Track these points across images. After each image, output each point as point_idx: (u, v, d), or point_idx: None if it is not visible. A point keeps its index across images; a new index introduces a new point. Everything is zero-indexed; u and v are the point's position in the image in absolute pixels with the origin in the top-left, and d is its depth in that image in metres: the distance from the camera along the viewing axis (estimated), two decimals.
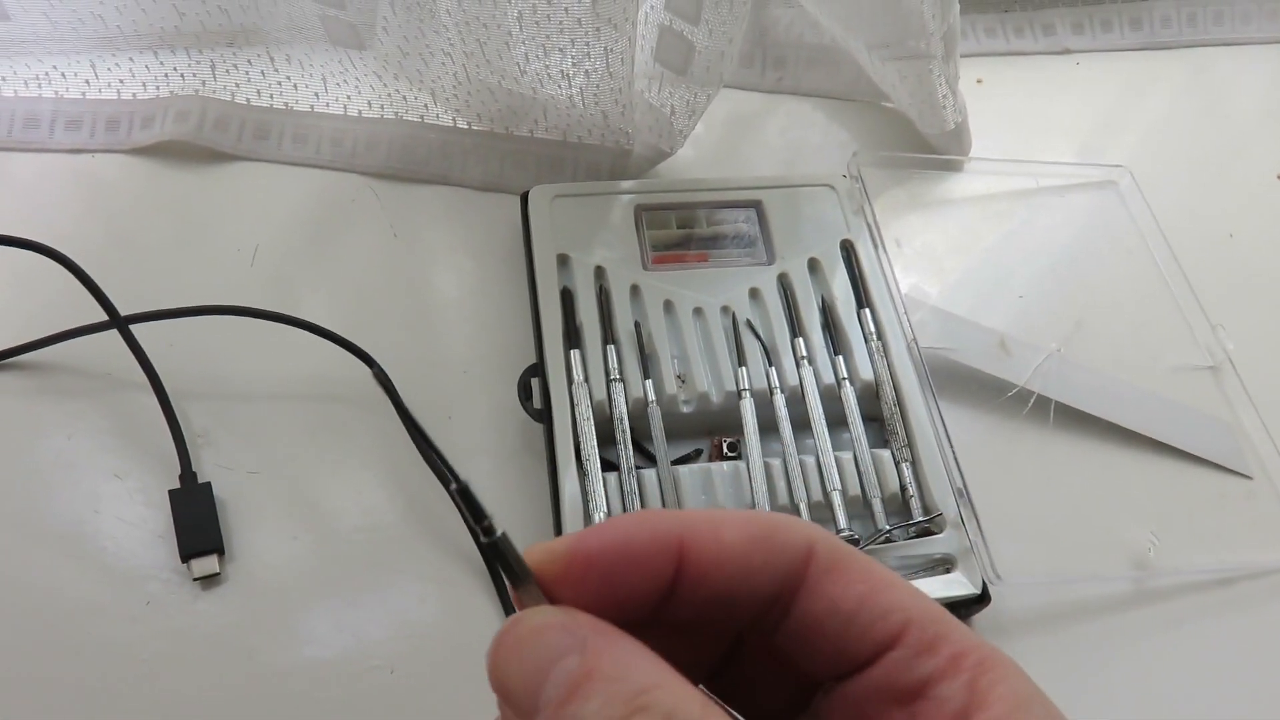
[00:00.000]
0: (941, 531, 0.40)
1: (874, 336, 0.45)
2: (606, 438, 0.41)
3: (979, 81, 0.61)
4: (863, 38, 0.53)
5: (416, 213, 0.50)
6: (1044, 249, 0.53)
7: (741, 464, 0.42)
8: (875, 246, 0.48)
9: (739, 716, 0.19)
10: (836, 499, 0.41)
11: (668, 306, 0.46)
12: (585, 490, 0.40)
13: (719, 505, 0.41)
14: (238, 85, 0.52)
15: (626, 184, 0.50)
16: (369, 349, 0.43)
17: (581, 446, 0.41)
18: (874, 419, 0.44)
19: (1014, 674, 0.17)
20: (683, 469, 0.41)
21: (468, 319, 0.47)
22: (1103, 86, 0.63)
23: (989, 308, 0.50)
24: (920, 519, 0.41)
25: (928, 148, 0.56)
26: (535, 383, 0.43)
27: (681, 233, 0.48)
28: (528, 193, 0.48)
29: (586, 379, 0.42)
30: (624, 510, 0.40)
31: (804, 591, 0.18)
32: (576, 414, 0.41)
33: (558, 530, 0.39)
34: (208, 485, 0.40)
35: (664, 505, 0.40)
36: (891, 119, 0.58)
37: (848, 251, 0.48)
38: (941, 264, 0.52)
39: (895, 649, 0.18)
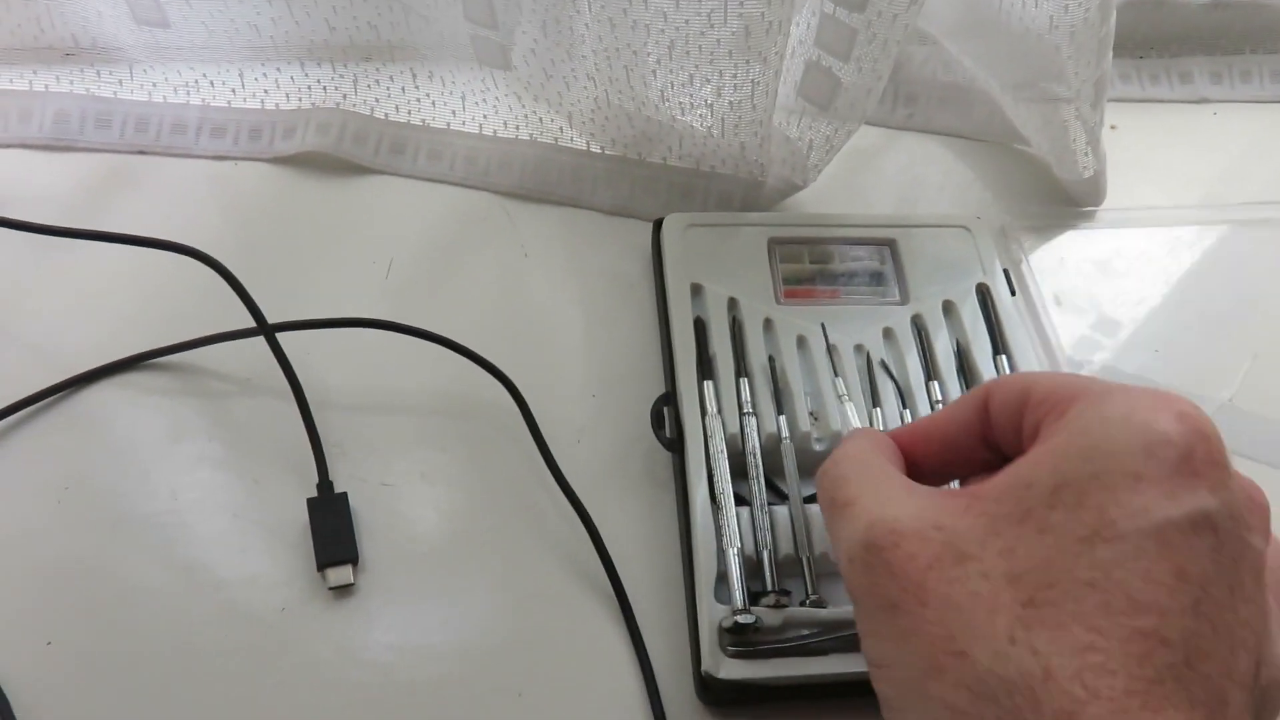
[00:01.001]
0: None
1: None
2: (737, 471, 0.41)
3: (1113, 128, 0.59)
4: (1002, 78, 0.52)
5: (547, 234, 0.51)
6: (1203, 293, 0.52)
7: None
8: (1013, 291, 0.47)
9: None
10: None
11: (800, 342, 0.45)
12: (718, 523, 0.39)
13: None
14: (377, 100, 0.53)
15: (758, 215, 0.49)
16: (500, 367, 0.43)
17: (715, 478, 0.40)
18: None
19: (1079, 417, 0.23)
20: (814, 507, 0.41)
21: (596, 343, 0.47)
22: (1239, 138, 0.61)
23: (1157, 359, 0.49)
24: None
25: (1057, 192, 0.55)
26: (668, 411, 0.43)
27: (814, 268, 0.48)
28: (661, 220, 0.48)
29: (720, 410, 0.42)
30: (755, 545, 0.39)
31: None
32: (709, 445, 0.41)
33: (688, 561, 0.39)
34: (344, 496, 0.41)
35: (795, 543, 0.39)
36: (1019, 161, 0.57)
37: (983, 295, 0.48)
38: (1102, 316, 0.51)
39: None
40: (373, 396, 0.44)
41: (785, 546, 0.39)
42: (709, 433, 0.41)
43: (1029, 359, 0.45)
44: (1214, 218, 0.56)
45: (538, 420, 0.43)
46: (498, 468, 0.43)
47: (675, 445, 0.41)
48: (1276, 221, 0.56)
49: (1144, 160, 0.58)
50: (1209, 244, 0.55)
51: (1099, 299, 0.51)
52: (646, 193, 0.52)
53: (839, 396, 0.43)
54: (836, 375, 0.44)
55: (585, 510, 0.40)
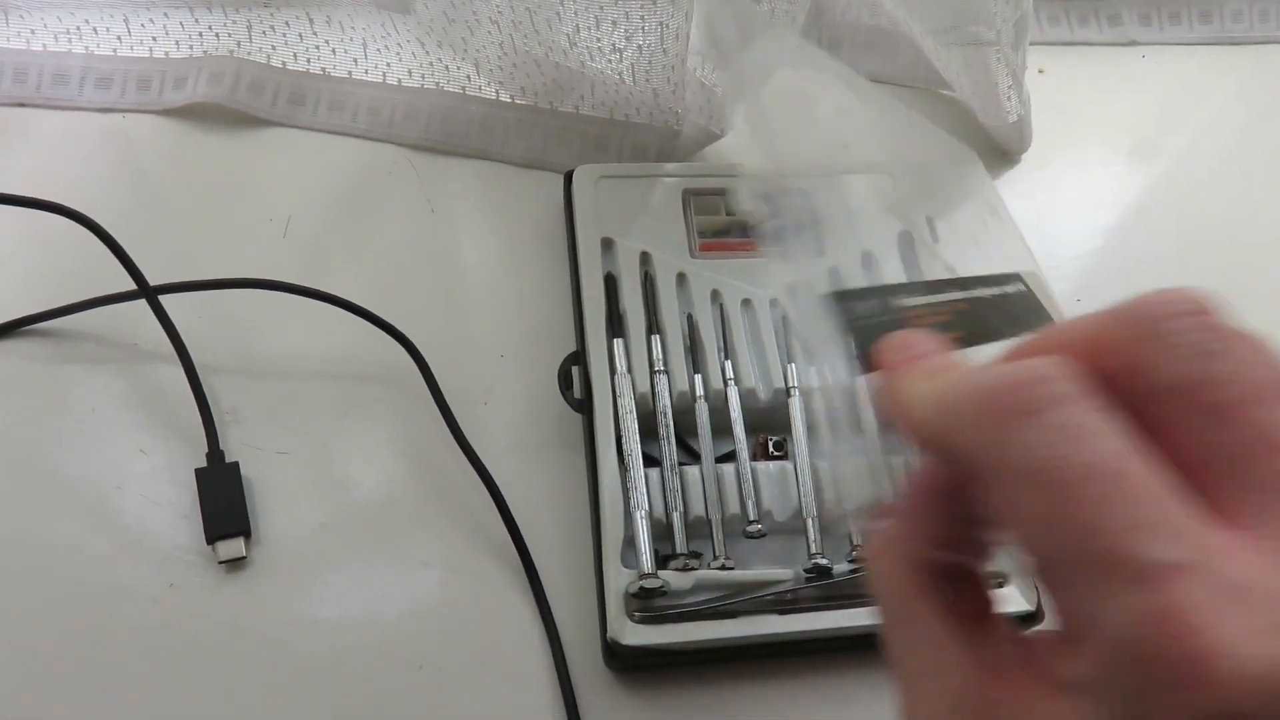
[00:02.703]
0: None
1: None
2: (648, 431, 0.40)
3: (1040, 72, 0.58)
4: (926, 21, 0.50)
5: (455, 188, 0.48)
6: (1129, 240, 0.51)
7: (788, 464, 0.40)
8: (935, 239, 0.46)
9: None
10: None
11: (714, 296, 0.44)
12: (625, 485, 0.38)
13: (764, 507, 0.39)
14: (274, 47, 0.50)
15: (674, 166, 0.48)
16: (403, 328, 0.42)
17: (623, 440, 0.39)
18: None
19: None
20: (726, 467, 0.40)
21: (506, 301, 0.45)
22: (1169, 80, 0.60)
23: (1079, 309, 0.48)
24: None
25: (983, 139, 0.54)
26: (576, 371, 0.41)
27: (730, 220, 0.46)
28: (572, 172, 0.46)
29: (629, 369, 0.41)
30: (665, 507, 0.38)
31: None
32: (619, 405, 0.40)
33: (595, 525, 0.37)
34: (235, 465, 0.39)
35: (705, 503, 0.38)
36: (949, 108, 0.56)
37: (905, 244, 0.46)
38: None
39: None
40: (268, 361, 0.42)
41: (696, 507, 0.38)
42: (618, 392, 0.40)
43: None
44: (1143, 164, 0.55)
45: (442, 383, 0.41)
46: (400, 433, 0.41)
47: (583, 406, 0.40)
48: (1207, 169, 0.55)
49: (1072, 105, 0.57)
50: (1136, 191, 0.54)
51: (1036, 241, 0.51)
52: (559, 144, 0.49)
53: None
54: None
55: (490, 475, 0.39)
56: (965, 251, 0.47)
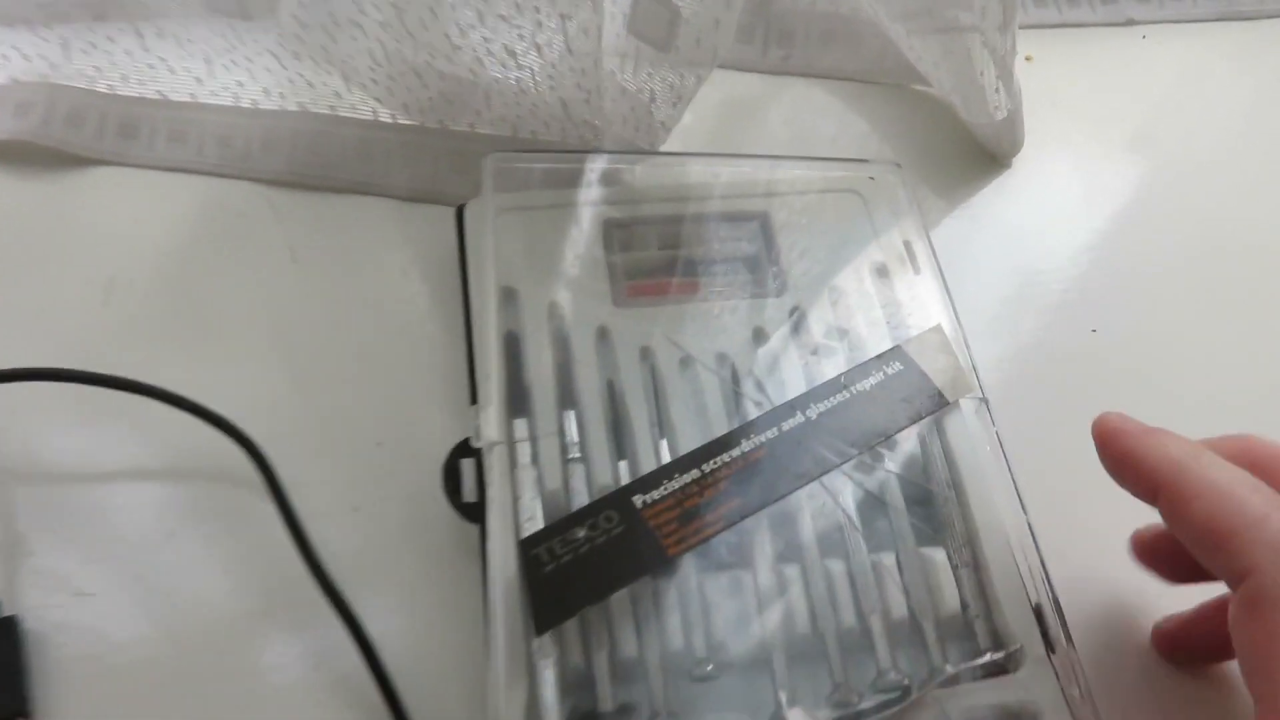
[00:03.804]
0: (1019, 669, 0.30)
1: None
2: None
3: (1028, 59, 0.50)
4: (894, 5, 0.42)
5: (324, 231, 0.39)
6: (1139, 254, 0.43)
7: (745, 573, 0.31)
8: (916, 269, 0.37)
9: None
10: (876, 625, 0.30)
11: (644, 355, 0.35)
12: None
13: (715, 638, 0.30)
14: (97, 69, 0.41)
15: (592, 192, 0.39)
16: (252, 418, 0.32)
17: None
18: (922, 503, 0.33)
19: None
20: (664, 580, 0.30)
21: (386, 374, 0.36)
22: (1172, 64, 0.52)
23: (1094, 340, 0.39)
24: (990, 653, 0.30)
25: (967, 140, 0.45)
26: (465, 466, 0.32)
27: (664, 255, 0.37)
28: (463, 206, 0.37)
29: (536, 458, 0.32)
30: (583, 645, 0.29)
31: None
32: (519, 509, 0.30)
33: (491, 676, 0.28)
34: (13, 620, 0.29)
35: (639, 637, 0.29)
36: (920, 105, 0.47)
37: (881, 277, 0.38)
38: (1025, 290, 0.41)
39: None
40: (70, 471, 0.33)
41: (626, 644, 0.29)
42: (518, 491, 0.31)
43: None
44: (1148, 159, 0.47)
45: (299, 487, 0.32)
46: (240, 557, 0.32)
47: (474, 512, 0.31)
48: (1219, 162, 0.47)
49: (1066, 96, 0.49)
50: (1143, 190, 0.46)
51: (1022, 267, 0.42)
52: (453, 170, 0.40)
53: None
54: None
55: (351, 612, 0.30)
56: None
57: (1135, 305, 0.41)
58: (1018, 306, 0.41)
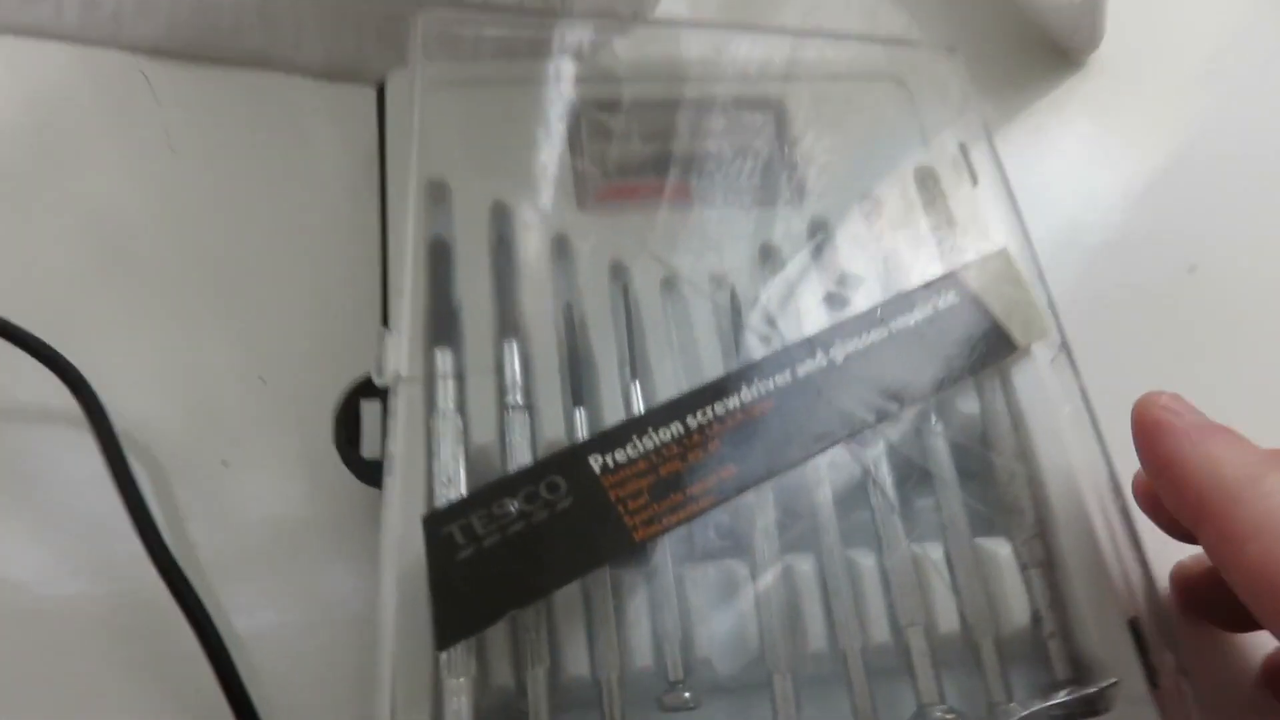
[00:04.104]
0: (1110, 710, 0.22)
1: None
2: None
3: None
4: None
5: (211, 114, 0.31)
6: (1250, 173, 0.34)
7: (739, 566, 0.23)
8: (975, 180, 0.29)
9: None
10: (917, 642, 0.22)
11: (616, 272, 0.26)
12: None
13: (698, 654, 0.22)
14: None
15: (559, 67, 0.30)
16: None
17: None
18: (981, 479, 0.25)
19: None
20: (629, 572, 0.22)
21: (281, 293, 0.28)
22: None
23: (1192, 280, 0.31)
24: (1073, 689, 0.22)
25: (1034, 28, 0.36)
26: (367, 410, 0.23)
27: (649, 149, 0.29)
28: (384, 81, 0.28)
29: (462, 403, 0.23)
30: (514, 658, 0.21)
31: None
32: (436, 470, 0.22)
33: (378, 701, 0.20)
34: None
35: (591, 651, 0.21)
36: None
37: (926, 186, 0.29)
38: (1104, 217, 0.33)
39: None
40: None
41: (575, 660, 0.21)
42: (435, 446, 0.22)
43: None
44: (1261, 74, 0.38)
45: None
46: (61, 525, 0.23)
47: (373, 474, 0.22)
48: None
49: None
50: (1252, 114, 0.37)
51: (1099, 191, 0.34)
52: (382, 41, 0.32)
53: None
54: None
55: (195, 597, 0.21)
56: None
57: (1241, 240, 0.33)
58: (1099, 237, 0.32)
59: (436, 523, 0.20)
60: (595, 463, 0.21)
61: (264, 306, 0.27)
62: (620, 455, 0.21)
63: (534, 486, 0.21)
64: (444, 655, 0.20)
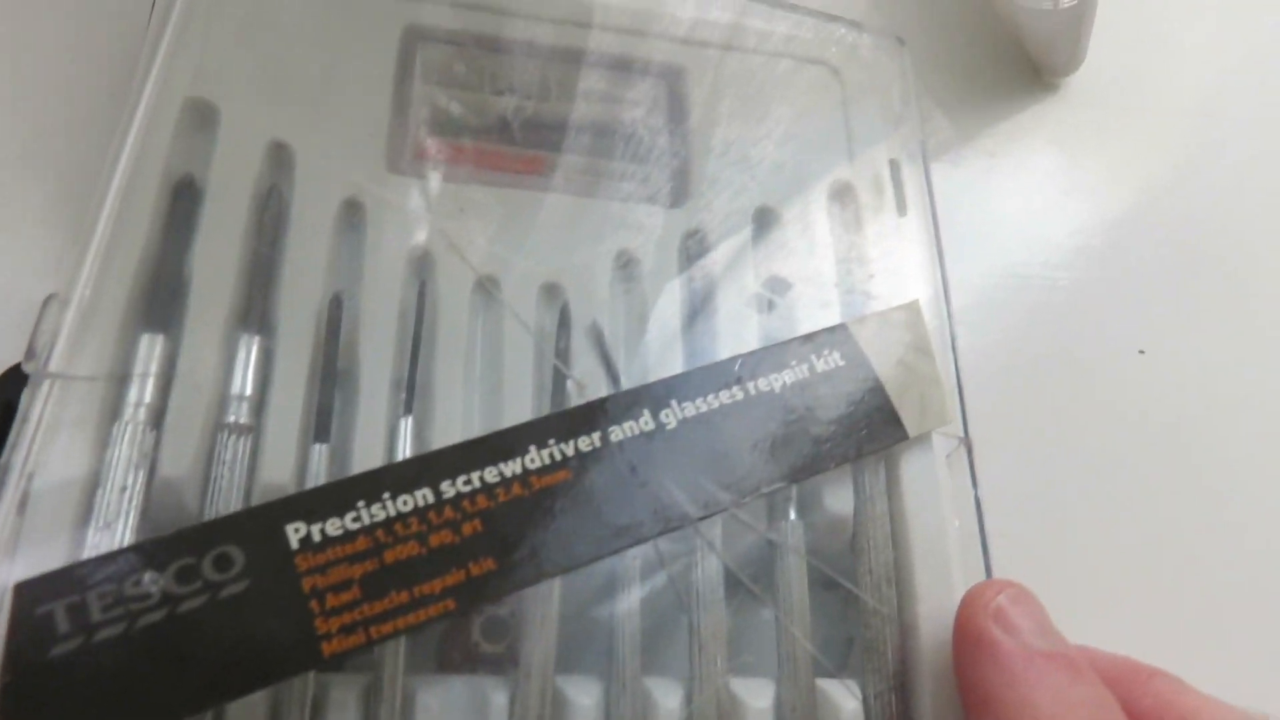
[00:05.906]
0: None
1: None
2: None
3: None
4: None
5: None
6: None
7: (496, 690, 0.17)
8: (902, 209, 0.23)
9: None
10: None
11: (417, 261, 0.20)
12: None
13: None
14: None
15: None
16: None
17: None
18: (833, 594, 0.19)
19: None
20: (337, 681, 0.16)
21: None
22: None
23: (1142, 361, 0.26)
24: None
25: (1008, 40, 0.31)
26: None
27: (494, 102, 0.22)
28: None
29: (159, 415, 0.17)
30: None
31: None
32: (100, 505, 0.16)
33: None
34: None
35: None
36: None
37: (843, 205, 0.23)
38: (1050, 257, 0.27)
39: None
40: None
41: None
42: (106, 476, 0.16)
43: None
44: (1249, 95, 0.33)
45: None
46: None
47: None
48: None
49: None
50: (1235, 142, 0.32)
51: (1047, 245, 0.28)
52: None
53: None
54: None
55: None
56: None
57: (1194, 324, 0.28)
58: (1037, 297, 0.27)
59: (32, 594, 0.14)
60: (294, 533, 0.15)
61: None
62: (333, 527, 0.15)
63: (194, 559, 0.14)
64: None
